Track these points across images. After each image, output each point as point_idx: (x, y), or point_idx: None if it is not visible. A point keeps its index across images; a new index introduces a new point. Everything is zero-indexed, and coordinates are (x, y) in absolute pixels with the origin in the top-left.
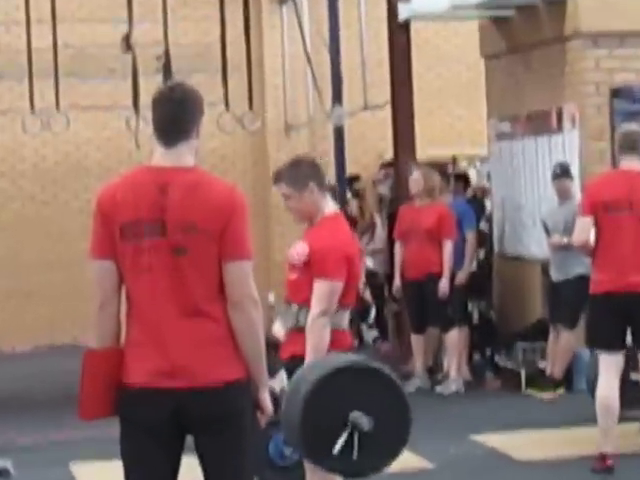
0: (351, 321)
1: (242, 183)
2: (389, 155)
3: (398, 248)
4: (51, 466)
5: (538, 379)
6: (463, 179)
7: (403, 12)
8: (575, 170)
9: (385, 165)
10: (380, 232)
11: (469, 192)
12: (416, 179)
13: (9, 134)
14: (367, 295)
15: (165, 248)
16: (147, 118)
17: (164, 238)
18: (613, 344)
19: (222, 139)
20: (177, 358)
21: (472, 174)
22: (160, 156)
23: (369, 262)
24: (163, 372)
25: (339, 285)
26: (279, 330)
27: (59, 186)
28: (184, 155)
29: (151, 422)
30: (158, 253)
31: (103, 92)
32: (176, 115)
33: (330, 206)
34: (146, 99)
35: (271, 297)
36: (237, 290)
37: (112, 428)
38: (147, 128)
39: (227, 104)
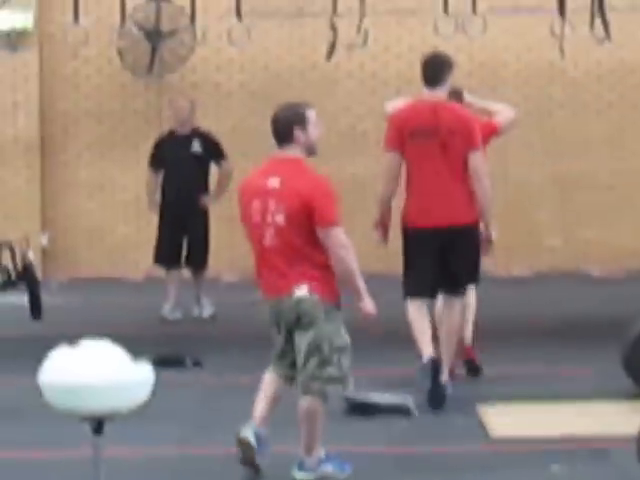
0: None
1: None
2: None
3: None
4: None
5: None
6: None
7: None
8: None
9: None
10: None
11: None
12: None
13: (418, 37)
14: None
15: (437, 143)
16: (573, 24)
17: (437, 138)
18: None
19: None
20: (440, 208)
21: None
22: (427, 96)
23: None
24: (429, 216)
25: None
26: None
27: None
28: (442, 96)
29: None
30: (433, 146)
31: None
32: (438, 70)
33: None
34: (572, 3)
35: None
36: (477, 169)
37: (526, 366)
38: (573, 35)
39: None
